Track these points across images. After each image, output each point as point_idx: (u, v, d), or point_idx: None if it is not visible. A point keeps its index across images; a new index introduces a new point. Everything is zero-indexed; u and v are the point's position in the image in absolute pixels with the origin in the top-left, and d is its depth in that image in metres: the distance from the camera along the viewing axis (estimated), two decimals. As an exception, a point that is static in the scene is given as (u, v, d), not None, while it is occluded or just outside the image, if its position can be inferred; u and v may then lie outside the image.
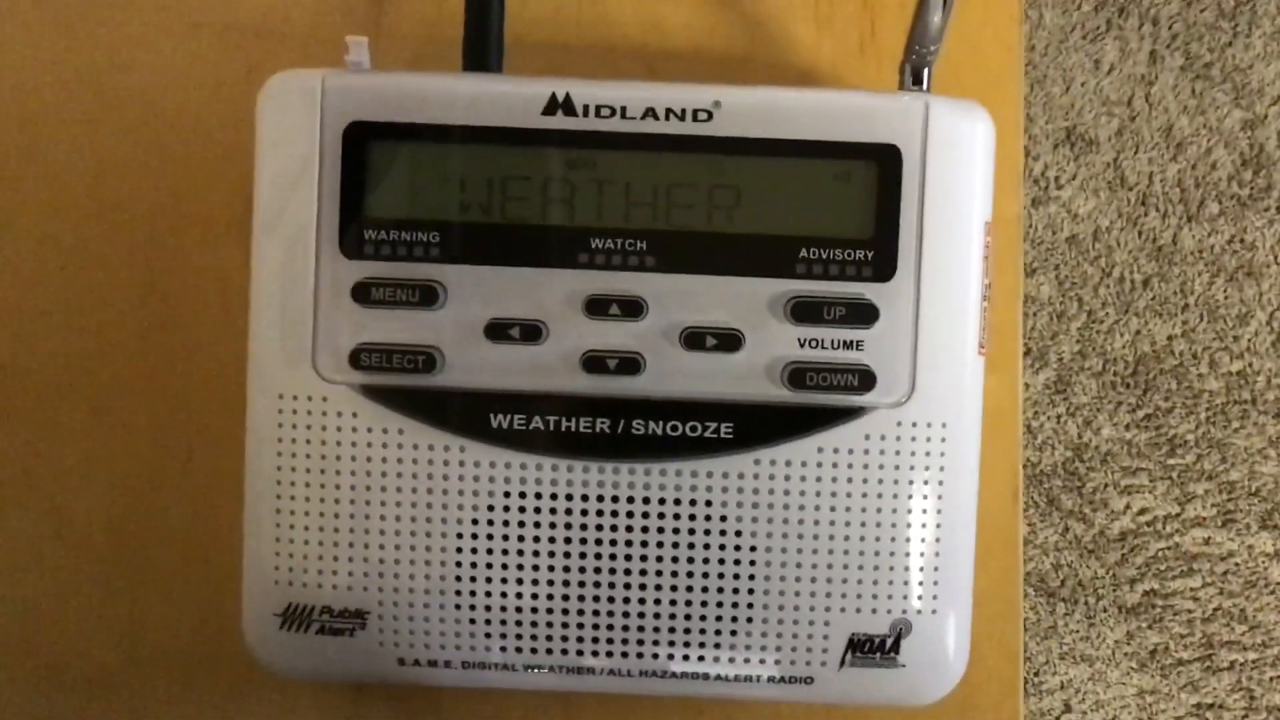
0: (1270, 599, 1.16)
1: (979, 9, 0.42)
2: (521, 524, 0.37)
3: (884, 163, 0.36)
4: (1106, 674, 1.14)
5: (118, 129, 0.43)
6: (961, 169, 0.36)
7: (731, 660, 0.37)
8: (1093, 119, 1.16)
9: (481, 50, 0.38)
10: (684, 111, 0.36)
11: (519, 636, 0.37)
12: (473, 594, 0.37)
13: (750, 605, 0.37)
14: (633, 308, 0.36)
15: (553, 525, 0.37)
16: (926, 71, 0.38)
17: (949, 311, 0.36)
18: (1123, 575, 1.16)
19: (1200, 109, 1.14)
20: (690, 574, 0.37)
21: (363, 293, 0.36)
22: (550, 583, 0.37)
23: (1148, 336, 1.16)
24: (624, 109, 0.36)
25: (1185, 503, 1.16)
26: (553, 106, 0.36)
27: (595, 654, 0.37)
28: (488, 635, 0.37)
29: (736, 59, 0.42)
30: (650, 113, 0.36)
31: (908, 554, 0.37)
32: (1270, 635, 1.15)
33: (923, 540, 0.37)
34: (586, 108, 0.36)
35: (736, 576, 0.37)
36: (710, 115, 0.36)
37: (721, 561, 0.37)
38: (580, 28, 0.43)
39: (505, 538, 0.37)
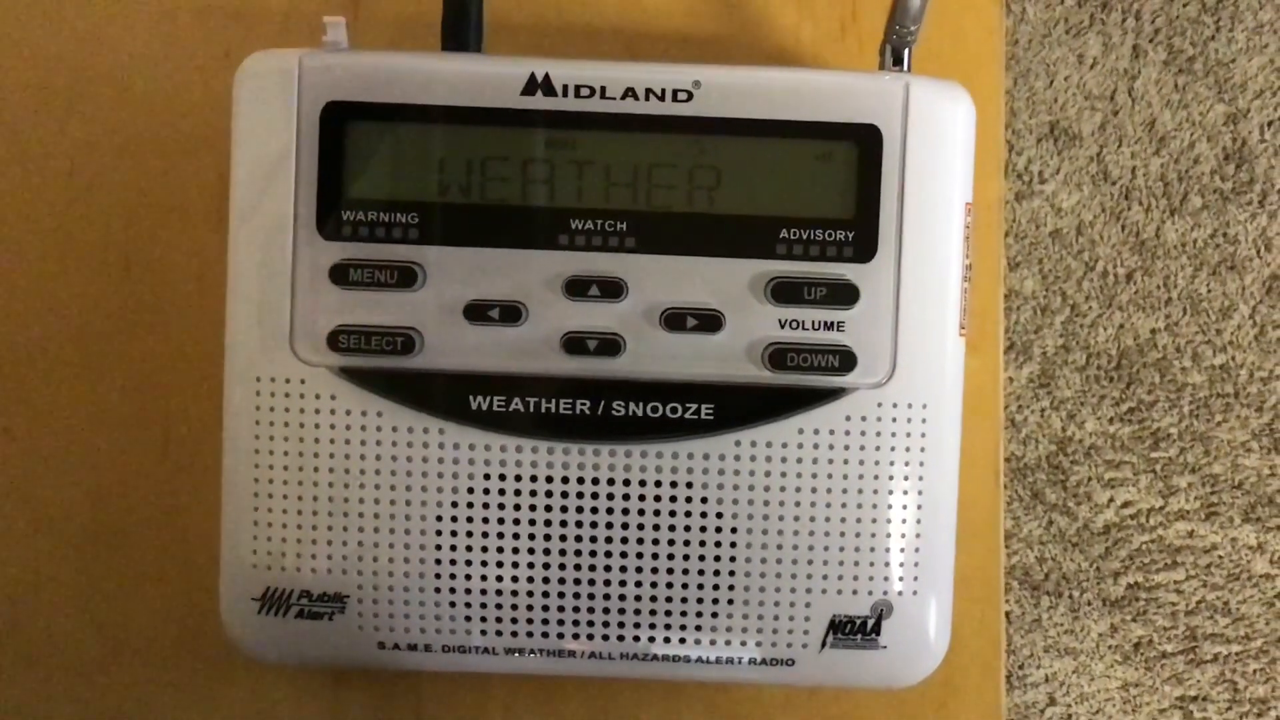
0: (1253, 592, 1.17)
1: (959, -10, 0.42)
2: (501, 506, 0.36)
3: (864, 143, 0.36)
4: (1091, 667, 1.14)
5: (94, 112, 0.43)
6: (942, 149, 0.36)
7: (713, 642, 0.37)
8: (1076, 113, 1.16)
9: (461, 29, 0.37)
10: (664, 91, 0.36)
11: (499, 620, 0.37)
12: (453, 577, 0.37)
13: (731, 587, 0.37)
14: (613, 289, 0.36)
15: (533, 507, 0.36)
16: (907, 52, 0.38)
17: (930, 292, 0.36)
18: (1106, 568, 1.16)
19: (1183, 103, 1.14)
20: (671, 556, 0.36)
21: (341, 274, 0.36)
22: (531, 565, 0.37)
23: (1131, 330, 1.16)
24: (604, 89, 0.36)
25: (1169, 496, 1.16)
26: (532, 86, 0.36)
27: (576, 637, 0.37)
28: (468, 619, 0.37)
29: (717, 40, 0.42)
30: (630, 93, 0.36)
31: (888, 535, 0.37)
32: (1253, 628, 1.15)
33: (903, 521, 0.36)
34: (566, 87, 0.36)
35: (717, 558, 0.36)
36: (690, 95, 0.36)
37: (702, 543, 0.36)
38: (560, 9, 0.42)
39: (485, 520, 0.36)
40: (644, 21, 0.42)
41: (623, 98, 0.36)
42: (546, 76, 0.36)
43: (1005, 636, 0.42)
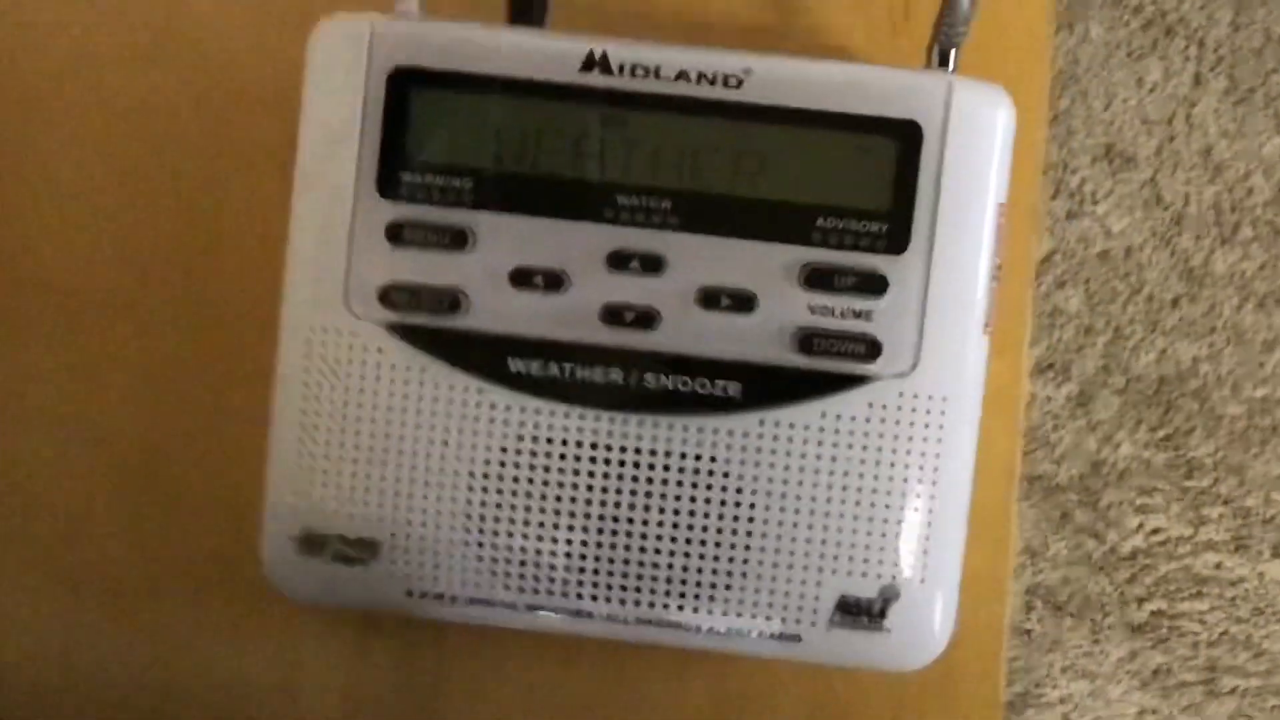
0: (1278, 628, 1.16)
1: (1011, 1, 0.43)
2: (532, 468, 0.38)
3: (905, 138, 0.37)
4: (1107, 690, 1.14)
5: (171, 67, 0.45)
6: (980, 149, 0.37)
7: (724, 613, 0.38)
8: (1132, 137, 1.16)
9: (527, 4, 0.39)
10: (715, 76, 0.37)
11: (523, 577, 0.38)
12: (481, 532, 0.38)
13: (745, 560, 0.38)
14: (653, 264, 0.37)
15: (562, 471, 0.38)
16: (954, 53, 0.39)
17: (958, 288, 0.37)
18: (1131, 594, 1.16)
19: (1241, 133, 1.14)
20: (690, 526, 0.38)
21: (396, 233, 0.38)
22: (556, 526, 0.38)
23: (1173, 357, 1.16)
24: (658, 70, 0.37)
25: (1199, 525, 1.16)
26: (590, 64, 0.37)
27: (595, 599, 0.38)
28: (493, 573, 0.38)
29: (772, 33, 0.44)
30: (683, 75, 0.37)
31: (900, 522, 0.38)
32: (1275, 664, 1.14)
33: (916, 510, 0.38)
34: (622, 66, 0.37)
35: (734, 532, 0.38)
36: (740, 82, 0.37)
37: (721, 517, 0.38)
38: (622, -6, 0.44)
39: (515, 480, 0.38)
40: (702, 12, 0.44)
41: (676, 79, 0.37)
42: (604, 55, 0.37)
43: (1008, 639, 0.43)
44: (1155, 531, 1.14)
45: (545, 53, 0.37)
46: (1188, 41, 1.14)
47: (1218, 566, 1.13)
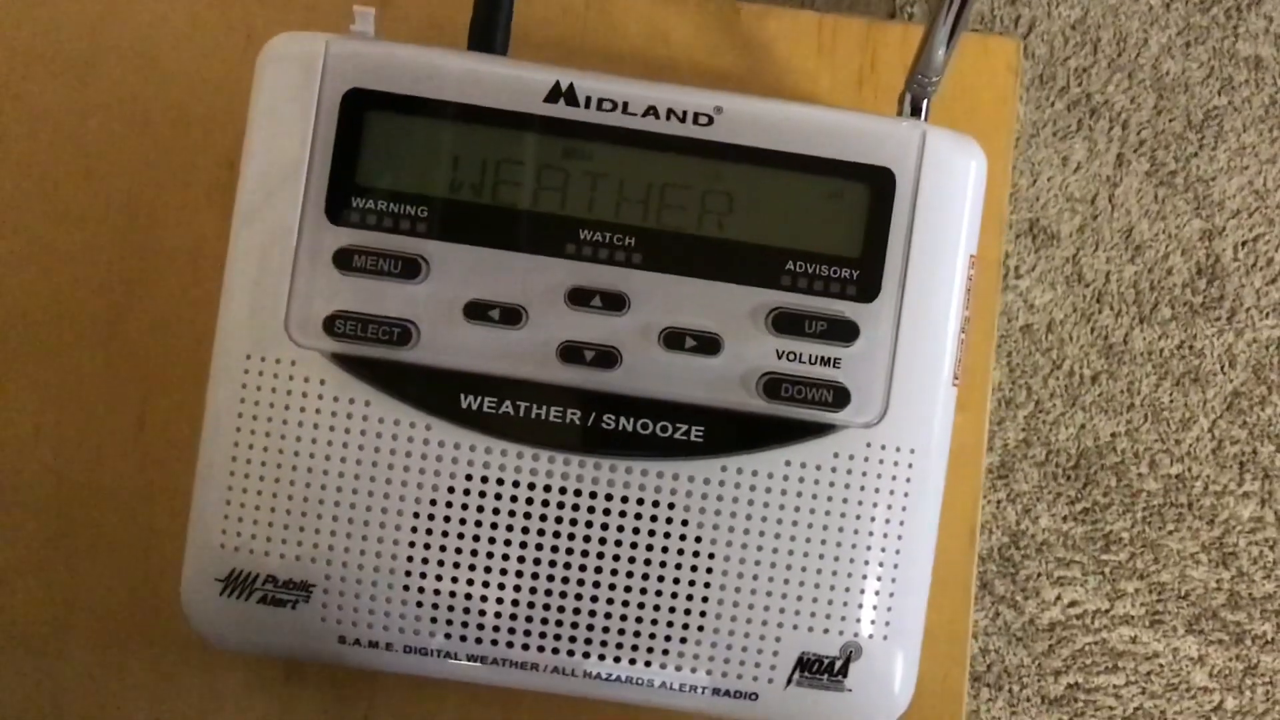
0: (1190, 703, 1.17)
1: (978, 57, 0.43)
2: (480, 509, 0.36)
3: (877, 185, 0.36)
4: (1024, 764, 1.14)
5: (110, 80, 0.43)
6: (952, 199, 0.36)
7: (678, 668, 0.36)
8: (1056, 214, 1.18)
9: (489, 31, 0.38)
10: (685, 113, 0.36)
11: (465, 625, 0.36)
12: (423, 576, 0.36)
13: (703, 614, 0.36)
14: (615, 302, 0.36)
15: (512, 514, 0.36)
16: (926, 103, 0.38)
17: (928, 338, 0.36)
18: (1048, 665, 1.16)
19: (1161, 214, 1.17)
20: (645, 576, 0.36)
21: (345, 259, 0.36)
22: (503, 572, 0.36)
23: (1092, 431, 1.17)
24: (626, 104, 0.36)
25: (1115, 599, 1.17)
26: (555, 95, 0.36)
27: (541, 650, 0.36)
28: (433, 620, 0.36)
29: (737, 77, 0.43)
30: (652, 111, 0.36)
31: (864, 577, 0.36)
32: (1188, 740, 1.15)
33: (881, 565, 0.36)
34: (589, 99, 0.36)
35: (692, 583, 0.36)
36: (711, 120, 0.36)
37: (678, 566, 0.36)
38: (586, 31, 0.43)
39: (463, 521, 0.36)
40: (666, 52, 0.43)
41: (644, 115, 0.36)
42: (571, 86, 0.36)
43: (968, 698, 0.41)
44: (1073, 604, 1.15)
45: (509, 81, 0.36)
46: (1112, 123, 1.17)
47: (1133, 641, 1.14)
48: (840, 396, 0.36)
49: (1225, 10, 1.19)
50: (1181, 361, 1.16)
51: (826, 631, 0.36)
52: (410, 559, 0.36)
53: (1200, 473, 1.15)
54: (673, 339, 0.36)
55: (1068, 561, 1.14)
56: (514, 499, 0.36)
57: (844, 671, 0.36)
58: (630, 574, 0.36)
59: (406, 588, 0.36)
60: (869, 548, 0.36)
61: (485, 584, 0.36)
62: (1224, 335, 1.16)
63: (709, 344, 0.36)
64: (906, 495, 0.36)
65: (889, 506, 0.36)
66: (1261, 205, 1.17)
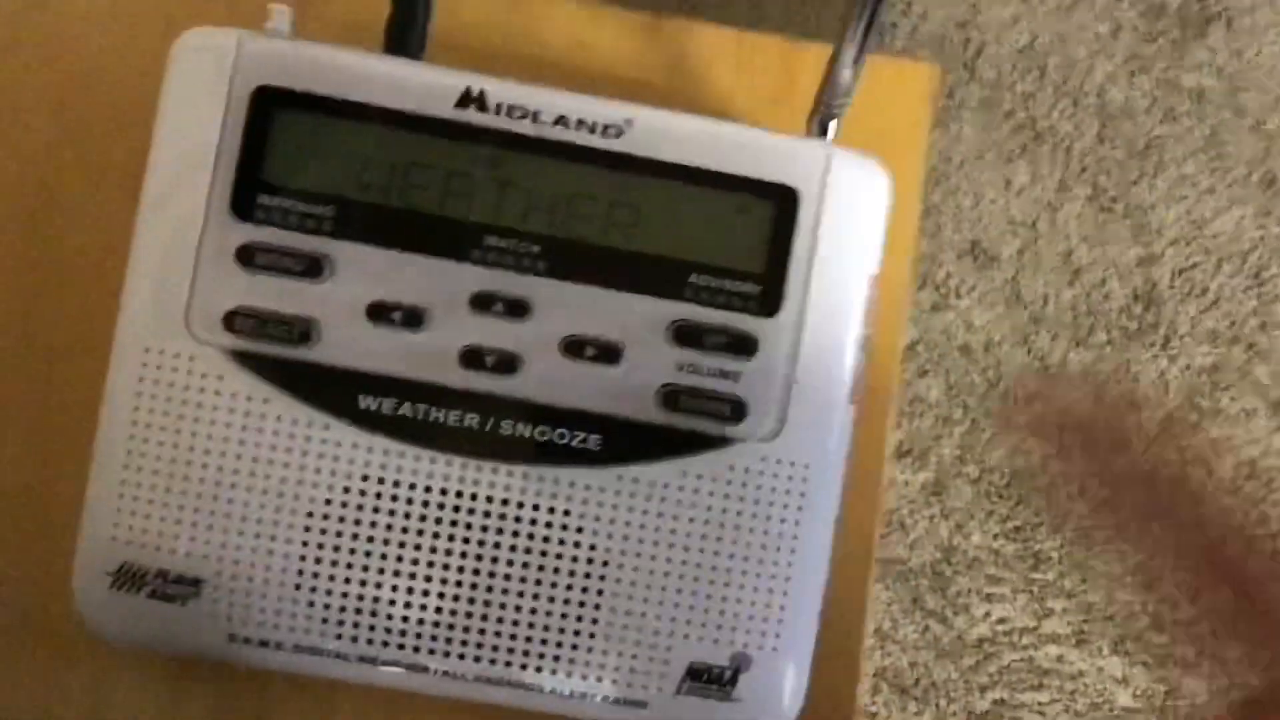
0: (1113, 723, 1.18)
1: (893, 82, 0.44)
2: (375, 510, 0.36)
3: (782, 203, 0.37)
4: (948, 778, 1.15)
5: (23, 68, 0.42)
6: (855, 220, 0.37)
7: (569, 675, 0.37)
8: (998, 235, 1.20)
9: (405, 34, 0.38)
10: (595, 124, 0.36)
11: (356, 626, 0.36)
12: (315, 576, 0.36)
13: (595, 621, 0.36)
14: (518, 309, 0.36)
15: (407, 516, 0.36)
16: (834, 125, 0.39)
17: (826, 355, 0.37)
18: (975, 681, 1.17)
19: (1101, 240, 1.18)
20: (539, 582, 0.36)
21: (247, 255, 0.36)
22: (396, 574, 0.36)
23: (1025, 451, 1.19)
24: (536, 113, 0.36)
25: (1043, 617, 1.18)
26: (466, 100, 0.36)
27: (433, 653, 0.36)
28: (324, 620, 0.36)
29: (657, 90, 0.43)
30: (562, 120, 0.36)
31: (756, 589, 0.37)
32: (1109, 759, 1.16)
33: (773, 578, 0.37)
34: (500, 106, 0.36)
35: (584, 590, 0.36)
36: (621, 132, 0.36)
37: (572, 574, 0.36)
38: (507, 37, 0.43)
39: (357, 522, 0.36)
40: (587, 62, 0.43)
41: (554, 124, 0.36)
42: (482, 92, 0.36)
43: (896, 711, 0.42)
44: (1001, 621, 1.16)
45: (420, 85, 0.36)
46: (1055, 148, 1.19)
47: (1059, 659, 1.15)
48: (738, 410, 0.36)
49: (1171, 41, 1.21)
50: (1116, 386, 1.17)
51: (716, 642, 0.37)
52: (303, 558, 0.36)
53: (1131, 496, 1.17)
54: (574, 347, 0.36)
55: (998, 578, 1.15)
56: (409, 502, 0.36)
57: (733, 681, 0.37)
58: (523, 579, 0.36)
59: (299, 587, 0.36)
60: (761, 560, 0.37)
61: (378, 585, 0.36)
62: (1158, 361, 1.18)
63: (610, 353, 0.36)
64: (800, 510, 0.37)
65: (783, 521, 0.37)
66: (1199, 234, 1.19)
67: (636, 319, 0.36)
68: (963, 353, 1.18)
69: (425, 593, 0.36)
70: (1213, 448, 1.21)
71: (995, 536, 1.16)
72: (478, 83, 0.36)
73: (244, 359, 0.36)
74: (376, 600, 0.36)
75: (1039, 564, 1.16)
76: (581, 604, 0.36)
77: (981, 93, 1.23)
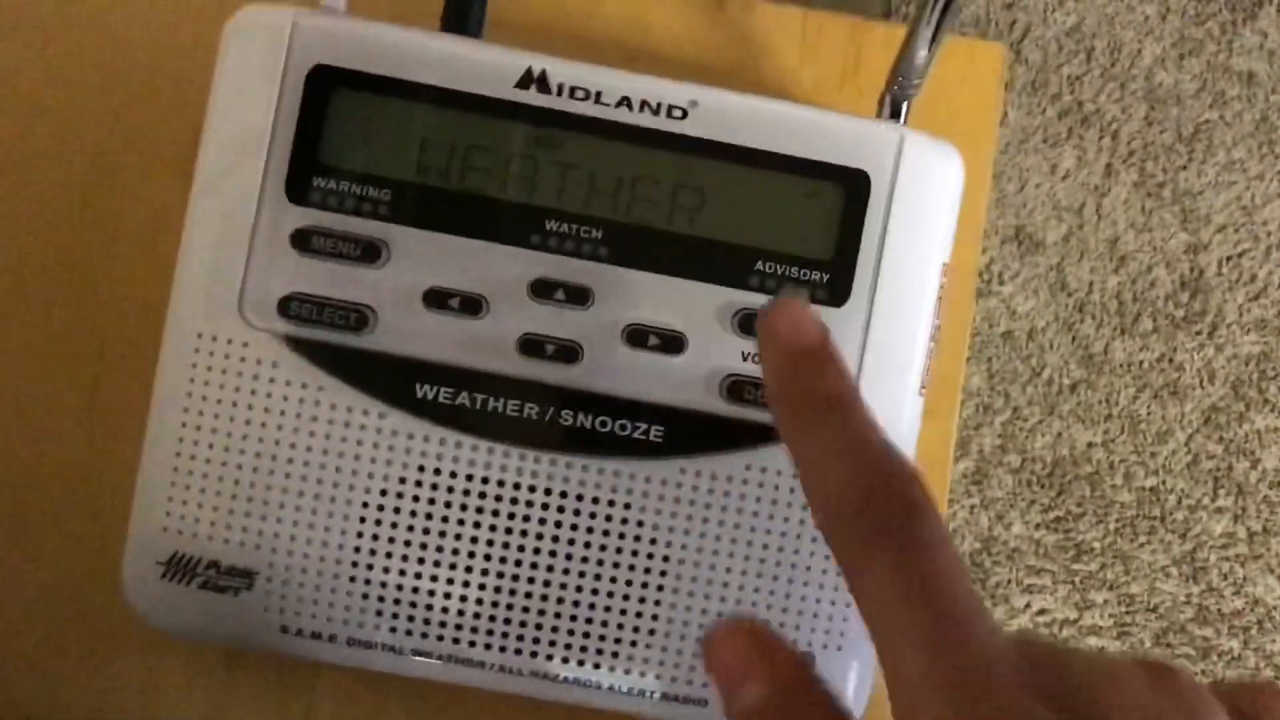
0: (1154, 716, 1.17)
1: (963, 62, 0.42)
2: (432, 501, 0.35)
3: (852, 187, 0.35)
4: (986, 770, 1.14)
5: (76, 47, 0.41)
6: (927, 206, 0.36)
7: (627, 671, 0.36)
8: (1043, 221, 1.18)
9: (463, 12, 0.37)
10: (659, 106, 0.35)
11: (411, 619, 0.35)
12: (369, 568, 0.35)
13: (655, 616, 0.35)
14: (579, 296, 0.35)
15: (464, 507, 0.35)
16: (906, 106, 0.37)
17: (896, 345, 0.36)
18: (1014, 673, 1.16)
19: (1148, 226, 1.16)
20: (598, 576, 0.35)
21: (303, 240, 0.35)
22: (452, 566, 0.35)
23: (1068, 440, 1.17)
24: (599, 94, 0.35)
25: (1084, 609, 1.16)
26: (527, 81, 0.35)
27: (488, 647, 0.36)
28: (378, 613, 0.35)
29: (717, 71, 0.42)
30: (625, 102, 0.35)
31: (821, 586, 0.36)
32: (1150, 753, 1.15)
33: (839, 576, 0.36)
34: (561, 86, 0.35)
35: (645, 585, 0.35)
36: (685, 114, 0.35)
37: (632, 568, 0.35)
38: (566, 15, 0.42)
39: (413, 514, 0.35)
40: (647, 41, 0.42)
41: (617, 106, 0.35)
42: (544, 73, 0.35)
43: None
44: (1042, 612, 1.14)
45: (480, 65, 0.35)
46: (1102, 132, 1.17)
47: (1099, 652, 1.13)
48: (804, 402, 0.35)
49: (1220, 24, 1.19)
50: (1161, 374, 1.15)
51: (780, 640, 0.35)
52: (357, 550, 0.35)
53: (1174, 486, 1.15)
54: (636, 336, 0.35)
55: (1038, 569, 1.14)
56: (466, 493, 0.35)
57: (796, 682, 0.36)
58: (582, 574, 0.35)
59: (353, 579, 0.35)
60: (826, 557, 0.35)
61: (433, 578, 0.35)
62: (1204, 350, 1.16)
63: (673, 343, 0.35)
64: (867, 505, 0.35)
65: (849, 516, 0.35)
66: (1248, 221, 1.17)
67: (700, 307, 0.35)
68: (1006, 339, 1.16)
69: (481, 586, 0.35)
70: (1259, 439, 1.19)
71: (1036, 527, 1.15)
72: (539, 63, 0.35)
73: (298, 345, 0.35)
74: (431, 593, 0.35)
75: (1080, 555, 1.15)
76: (641, 599, 0.35)
77: (1027, 75, 1.21)
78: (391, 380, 0.35)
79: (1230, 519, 1.17)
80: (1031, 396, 1.18)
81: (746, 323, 0.35)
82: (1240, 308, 1.18)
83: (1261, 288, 1.20)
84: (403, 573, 0.35)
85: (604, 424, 0.35)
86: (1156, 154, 1.16)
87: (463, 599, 0.35)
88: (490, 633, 0.36)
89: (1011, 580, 1.17)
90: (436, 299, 0.35)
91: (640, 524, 0.35)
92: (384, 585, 0.35)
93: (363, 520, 0.35)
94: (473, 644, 0.36)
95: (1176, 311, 1.15)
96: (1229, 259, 1.18)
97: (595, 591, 0.35)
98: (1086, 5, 1.20)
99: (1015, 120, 1.18)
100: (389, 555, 0.35)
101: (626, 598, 0.35)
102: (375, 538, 0.35)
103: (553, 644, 0.36)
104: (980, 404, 1.17)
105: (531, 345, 0.35)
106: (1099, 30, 1.20)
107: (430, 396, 0.35)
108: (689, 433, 0.35)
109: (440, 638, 0.36)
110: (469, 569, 0.35)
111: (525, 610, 0.35)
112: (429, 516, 0.35)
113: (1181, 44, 1.20)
